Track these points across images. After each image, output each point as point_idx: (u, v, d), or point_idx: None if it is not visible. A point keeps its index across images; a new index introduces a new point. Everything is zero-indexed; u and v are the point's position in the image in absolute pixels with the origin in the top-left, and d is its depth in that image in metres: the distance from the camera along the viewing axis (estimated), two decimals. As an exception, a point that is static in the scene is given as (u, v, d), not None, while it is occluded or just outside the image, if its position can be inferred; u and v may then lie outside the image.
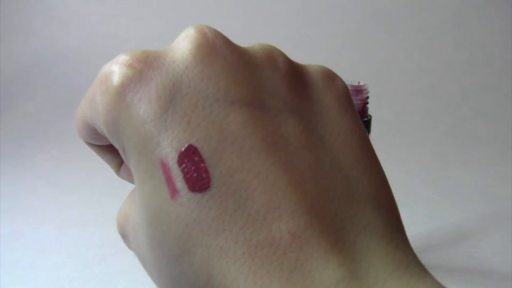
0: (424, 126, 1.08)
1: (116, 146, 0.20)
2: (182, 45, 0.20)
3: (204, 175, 0.18)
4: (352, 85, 0.53)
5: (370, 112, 0.56)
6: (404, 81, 1.24)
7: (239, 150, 0.18)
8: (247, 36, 1.34)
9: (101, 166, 0.73)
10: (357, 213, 0.18)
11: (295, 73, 0.21)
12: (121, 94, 0.19)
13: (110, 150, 0.25)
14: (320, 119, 0.20)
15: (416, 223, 0.70)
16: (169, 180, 0.18)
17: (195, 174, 0.18)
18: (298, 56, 1.34)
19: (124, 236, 0.22)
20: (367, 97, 0.54)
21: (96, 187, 0.82)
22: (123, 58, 0.20)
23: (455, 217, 0.71)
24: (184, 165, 0.18)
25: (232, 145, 0.18)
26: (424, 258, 0.62)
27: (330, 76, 0.21)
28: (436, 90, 1.21)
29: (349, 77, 0.62)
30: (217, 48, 0.19)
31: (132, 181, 0.25)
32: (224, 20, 1.37)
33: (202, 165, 0.18)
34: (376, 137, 0.85)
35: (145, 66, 0.19)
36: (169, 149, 0.18)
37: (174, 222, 0.17)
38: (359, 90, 0.53)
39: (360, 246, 0.17)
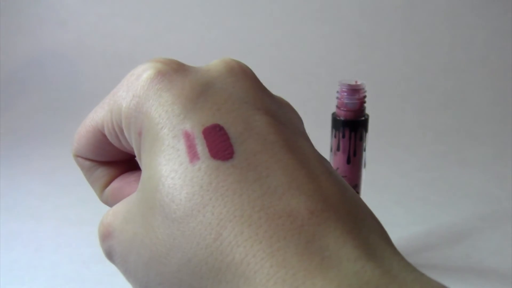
0: (421, 126, 1.08)
1: (131, 132, 0.21)
2: (216, 63, 0.22)
3: (228, 148, 0.18)
4: (349, 85, 0.53)
5: (367, 111, 0.56)
6: (401, 80, 1.25)
7: (262, 139, 0.19)
8: (244, 35, 1.34)
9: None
10: (365, 219, 0.18)
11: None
12: (154, 81, 0.20)
13: (103, 165, 0.25)
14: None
15: (413, 223, 0.70)
16: (191, 147, 0.18)
17: (219, 145, 0.18)
18: (295, 55, 1.34)
19: (108, 234, 0.22)
20: (364, 97, 0.54)
21: (94, 187, 0.82)
22: (159, 59, 0.21)
23: (452, 217, 0.71)
24: (209, 136, 0.18)
25: (256, 134, 0.19)
26: (421, 258, 0.62)
27: None
28: (434, 89, 1.22)
29: (346, 77, 0.62)
30: (248, 74, 0.22)
31: (113, 204, 0.25)
32: (222, 19, 1.37)
33: (227, 140, 0.18)
34: (373, 137, 0.85)
35: (180, 67, 0.21)
36: (195, 123, 0.19)
37: (188, 184, 0.18)
38: (356, 89, 0.53)
39: (372, 241, 0.17)
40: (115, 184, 0.25)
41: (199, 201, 0.17)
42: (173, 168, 0.18)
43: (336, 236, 0.16)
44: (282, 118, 0.21)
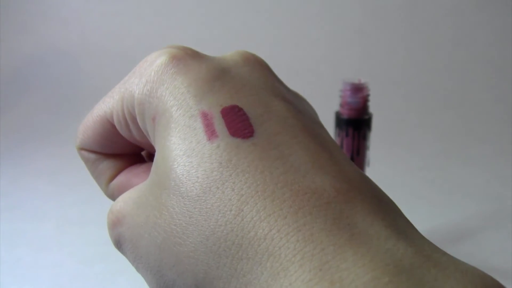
0: (424, 125, 1.08)
1: (146, 117, 0.20)
2: (231, 53, 0.21)
3: (248, 127, 0.18)
4: (352, 83, 0.53)
5: (370, 110, 0.56)
6: (405, 79, 1.24)
7: (282, 122, 0.18)
8: (247, 33, 1.34)
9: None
10: (389, 203, 0.18)
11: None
12: (169, 65, 0.19)
13: (109, 158, 0.24)
14: None
15: (416, 222, 0.69)
16: (208, 126, 0.18)
17: (239, 124, 0.18)
18: (298, 54, 1.34)
19: (117, 222, 0.21)
20: (368, 95, 0.54)
21: (97, 186, 0.81)
22: (173, 45, 0.21)
23: (455, 216, 0.71)
24: (228, 116, 0.18)
25: (276, 116, 0.18)
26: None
27: None
28: (437, 88, 1.21)
29: (350, 75, 0.62)
30: (263, 64, 0.21)
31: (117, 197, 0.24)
32: (224, 18, 1.37)
33: (247, 120, 0.18)
34: (376, 136, 0.85)
35: (196, 53, 0.20)
36: (214, 103, 0.18)
37: (206, 161, 0.17)
38: (359, 88, 0.53)
39: (400, 223, 0.16)
40: (122, 177, 0.24)
41: (218, 178, 0.17)
42: (189, 146, 0.17)
43: (364, 215, 0.16)
44: (300, 107, 0.20)
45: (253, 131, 0.17)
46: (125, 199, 0.21)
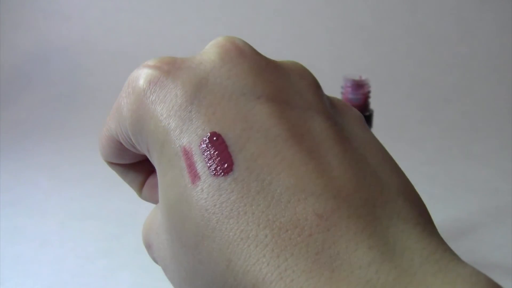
0: (425, 121, 1.08)
1: (142, 147, 0.20)
2: (210, 50, 0.20)
3: (227, 160, 0.17)
4: (353, 80, 0.53)
5: (371, 106, 0.56)
6: (406, 75, 1.24)
7: (263, 138, 0.18)
8: (247, 29, 1.34)
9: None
10: (389, 201, 0.17)
11: (321, 88, 0.21)
12: (147, 93, 0.20)
13: (133, 169, 0.25)
14: (346, 125, 0.20)
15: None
16: (190, 166, 0.18)
17: (218, 159, 0.17)
18: (300, 50, 1.33)
19: (149, 247, 0.22)
20: (369, 92, 0.54)
21: (99, 181, 0.82)
22: (150, 62, 0.21)
23: (457, 212, 0.71)
24: (207, 151, 0.18)
25: (256, 132, 0.18)
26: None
27: (348, 104, 0.22)
28: (438, 84, 1.21)
29: (351, 72, 0.62)
30: (245, 53, 0.20)
31: (154, 201, 0.25)
32: (225, 14, 1.37)
33: (226, 150, 0.18)
34: (377, 132, 0.85)
35: (173, 67, 0.20)
36: (192, 137, 0.18)
37: (194, 208, 0.17)
38: (360, 84, 0.53)
39: (393, 230, 0.16)
40: (151, 181, 0.25)
41: (207, 226, 0.17)
42: (178, 192, 0.18)
43: (348, 239, 0.16)
44: (289, 94, 0.20)
45: (232, 164, 0.17)
46: (150, 225, 0.22)
